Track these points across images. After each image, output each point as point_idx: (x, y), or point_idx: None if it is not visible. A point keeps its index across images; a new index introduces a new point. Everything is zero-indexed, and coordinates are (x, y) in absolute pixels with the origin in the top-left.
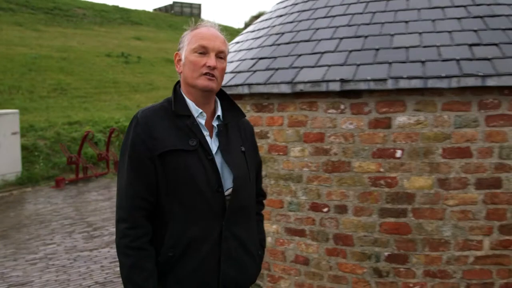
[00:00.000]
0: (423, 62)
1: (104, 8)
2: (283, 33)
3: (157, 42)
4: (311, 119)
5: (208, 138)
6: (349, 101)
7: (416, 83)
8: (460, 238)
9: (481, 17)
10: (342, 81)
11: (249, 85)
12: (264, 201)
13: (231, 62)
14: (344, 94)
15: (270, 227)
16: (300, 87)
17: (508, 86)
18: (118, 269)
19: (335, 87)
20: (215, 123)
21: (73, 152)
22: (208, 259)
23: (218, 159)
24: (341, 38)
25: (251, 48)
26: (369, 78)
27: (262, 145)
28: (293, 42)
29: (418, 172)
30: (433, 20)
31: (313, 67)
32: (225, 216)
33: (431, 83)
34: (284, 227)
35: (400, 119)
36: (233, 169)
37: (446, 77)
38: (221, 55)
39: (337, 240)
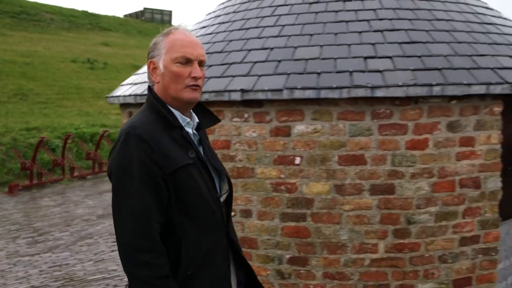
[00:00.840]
0: (319, 73)
1: (73, 13)
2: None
3: (125, 48)
4: (219, 127)
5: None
6: (252, 110)
7: (310, 94)
8: (356, 242)
9: (381, 31)
10: (243, 91)
11: None
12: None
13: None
14: (248, 103)
15: None
16: (205, 97)
17: (398, 97)
18: (56, 273)
19: (236, 96)
20: (195, 130)
21: (28, 158)
22: (222, 269)
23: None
24: (249, 50)
25: None
26: (266, 88)
27: None
28: (208, 53)
29: (316, 178)
30: (336, 34)
31: (219, 77)
32: (227, 223)
33: (324, 94)
34: None
35: (299, 127)
36: (226, 173)
37: (337, 88)
38: (202, 63)
39: (243, 243)
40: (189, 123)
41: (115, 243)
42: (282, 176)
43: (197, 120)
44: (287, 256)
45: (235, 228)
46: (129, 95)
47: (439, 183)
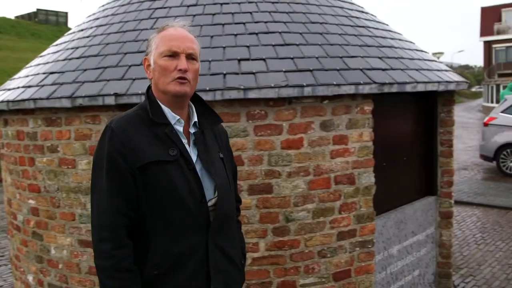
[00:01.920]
0: None
1: None
2: (77, 48)
3: (17, 51)
4: (95, 132)
5: (186, 146)
6: None
7: None
8: None
9: (256, 33)
10: (116, 95)
11: (34, 100)
12: (240, 207)
13: (26, 76)
14: (124, 107)
15: (64, 240)
16: (79, 101)
17: (272, 98)
18: None
19: (110, 101)
20: (192, 130)
21: None
22: (196, 275)
23: (198, 168)
24: (125, 53)
25: (46, 63)
26: (140, 92)
27: (53, 159)
28: (83, 57)
29: None
30: (212, 36)
31: (93, 81)
32: (209, 228)
33: None
34: (77, 240)
35: None
36: (215, 177)
37: (211, 90)
38: (192, 56)
39: None
40: (179, 120)
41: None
42: None
43: (195, 119)
44: None
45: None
46: (1, 102)
47: (315, 180)
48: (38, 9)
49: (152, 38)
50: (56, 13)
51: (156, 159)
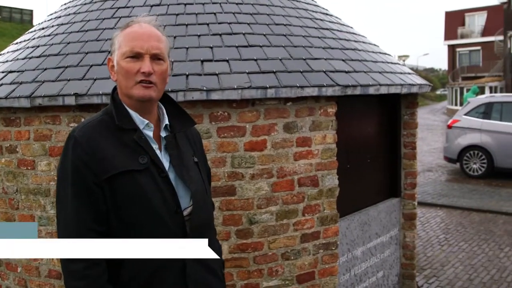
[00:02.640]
0: None
1: None
2: (37, 46)
3: None
4: (55, 132)
5: (157, 152)
6: (89, 114)
7: None
8: None
9: (219, 34)
10: (77, 95)
11: None
12: (214, 212)
13: None
14: (85, 108)
15: None
16: (38, 101)
17: (235, 99)
18: None
19: (70, 101)
20: (163, 134)
21: None
22: None
23: (171, 175)
24: (87, 53)
25: (6, 61)
26: (101, 92)
27: (12, 160)
28: (43, 56)
29: None
30: (175, 37)
31: (53, 81)
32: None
33: None
34: None
35: None
36: (190, 184)
37: (173, 91)
38: (158, 56)
39: None
40: (148, 125)
41: None
42: None
43: (166, 122)
44: None
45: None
46: None
47: (278, 182)
48: (1, 6)
49: (116, 36)
50: (20, 11)
51: (125, 169)
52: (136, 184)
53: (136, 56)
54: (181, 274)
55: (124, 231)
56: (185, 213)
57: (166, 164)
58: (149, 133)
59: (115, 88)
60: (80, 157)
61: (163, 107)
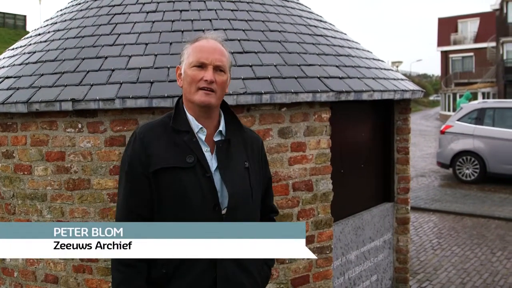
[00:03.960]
0: (151, 82)
1: None
2: (34, 52)
3: None
4: (52, 138)
5: (207, 155)
6: (86, 120)
7: (142, 103)
8: None
9: None
10: (74, 100)
11: None
12: (275, 217)
13: None
14: (81, 113)
15: None
16: (35, 107)
17: (231, 105)
18: None
19: (67, 106)
20: (216, 138)
21: None
22: (202, 279)
23: (217, 177)
24: (83, 59)
25: (2, 67)
26: (98, 97)
27: (8, 165)
28: (40, 62)
29: None
30: (171, 43)
31: (50, 87)
32: None
33: (156, 103)
34: None
35: None
36: (229, 187)
37: (169, 96)
38: (220, 68)
39: None
40: (202, 129)
41: None
42: None
43: (221, 128)
44: None
45: None
46: None
47: (273, 187)
48: None
49: (185, 48)
50: (14, 16)
51: (168, 165)
52: (179, 181)
53: (201, 65)
54: (210, 267)
55: (163, 220)
56: (224, 211)
57: (214, 165)
58: (202, 136)
59: (180, 96)
60: (135, 151)
61: (223, 114)
